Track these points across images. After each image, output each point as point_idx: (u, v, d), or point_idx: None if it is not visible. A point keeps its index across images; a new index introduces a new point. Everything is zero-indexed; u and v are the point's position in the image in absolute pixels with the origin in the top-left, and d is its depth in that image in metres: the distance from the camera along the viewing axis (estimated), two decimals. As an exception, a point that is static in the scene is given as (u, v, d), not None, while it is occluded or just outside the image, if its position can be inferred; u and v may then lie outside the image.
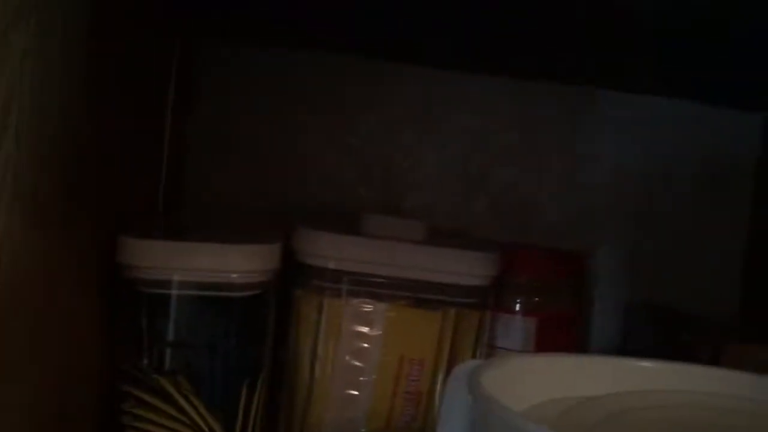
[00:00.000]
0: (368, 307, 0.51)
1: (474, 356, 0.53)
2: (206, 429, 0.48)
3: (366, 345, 0.51)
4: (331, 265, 0.51)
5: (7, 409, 0.36)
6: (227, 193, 0.66)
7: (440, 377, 0.52)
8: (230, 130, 0.67)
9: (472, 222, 0.68)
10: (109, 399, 0.49)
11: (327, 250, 0.51)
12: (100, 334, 0.49)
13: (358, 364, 0.51)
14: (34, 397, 0.40)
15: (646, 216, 0.69)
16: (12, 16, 0.31)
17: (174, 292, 0.47)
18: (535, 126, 0.69)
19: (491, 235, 0.66)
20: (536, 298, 0.58)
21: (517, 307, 0.58)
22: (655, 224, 0.68)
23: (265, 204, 0.66)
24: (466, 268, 0.52)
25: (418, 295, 0.52)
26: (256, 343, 0.50)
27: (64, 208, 0.41)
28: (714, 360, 0.49)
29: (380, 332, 0.51)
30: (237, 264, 0.48)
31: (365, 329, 0.51)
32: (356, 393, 0.51)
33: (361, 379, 0.51)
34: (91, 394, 0.48)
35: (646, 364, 0.39)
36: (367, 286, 0.51)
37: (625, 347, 0.63)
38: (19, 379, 0.37)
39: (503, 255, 0.55)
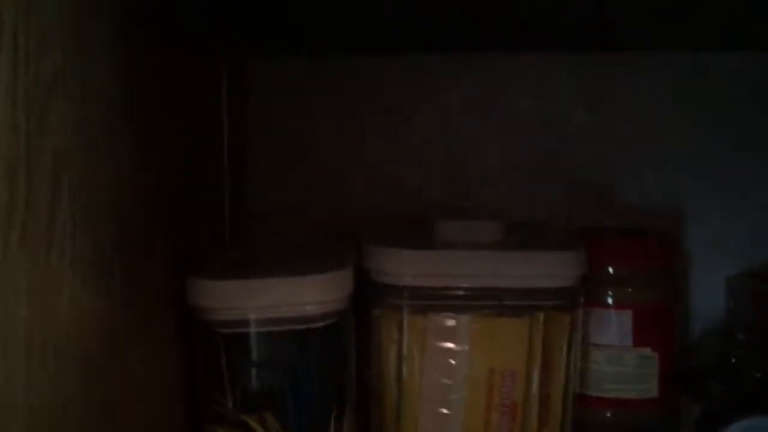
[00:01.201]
0: (451, 322, 0.49)
1: (569, 359, 0.50)
2: (297, 465, 0.47)
3: (453, 361, 0.49)
4: (408, 283, 0.48)
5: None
6: (291, 210, 0.64)
7: (534, 386, 0.49)
8: (288, 145, 0.65)
9: (546, 212, 0.64)
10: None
11: (402, 267, 0.48)
12: (181, 376, 0.48)
13: (446, 381, 0.49)
14: None
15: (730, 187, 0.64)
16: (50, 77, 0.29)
17: (250, 330, 0.46)
18: (602, 102, 0.65)
19: (569, 222, 0.62)
20: (629, 289, 0.55)
21: (610, 300, 0.54)
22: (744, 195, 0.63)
23: (331, 217, 0.64)
24: (552, 270, 0.49)
25: (503, 302, 0.49)
26: (339, 371, 0.49)
27: (131, 261, 0.40)
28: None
29: (466, 346, 0.49)
30: (311, 296, 0.46)
31: (450, 345, 0.49)
32: (447, 411, 0.49)
33: (452, 396, 0.49)
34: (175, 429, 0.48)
35: None
36: (447, 299, 0.49)
37: (729, 328, 0.58)
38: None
39: (589, 246, 0.52)
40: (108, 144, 0.35)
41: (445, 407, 0.49)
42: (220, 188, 0.59)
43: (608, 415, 0.54)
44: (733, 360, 0.53)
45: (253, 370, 0.47)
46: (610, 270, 0.54)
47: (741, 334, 0.54)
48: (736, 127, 0.64)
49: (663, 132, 0.64)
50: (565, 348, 0.50)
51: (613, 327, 0.54)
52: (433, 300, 0.49)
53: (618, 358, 0.54)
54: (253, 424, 0.47)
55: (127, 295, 0.39)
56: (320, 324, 0.47)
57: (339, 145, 0.65)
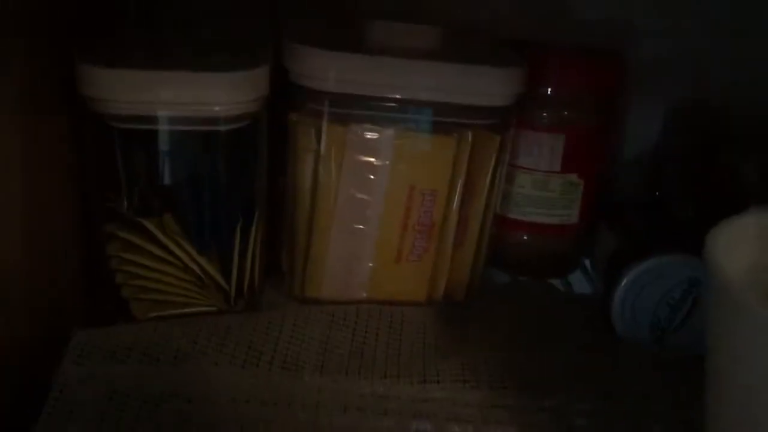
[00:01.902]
0: (373, 134, 0.45)
1: (493, 182, 0.48)
2: (200, 272, 0.44)
3: (371, 176, 0.46)
4: (330, 88, 0.43)
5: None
6: None
7: (455, 206, 0.47)
8: None
9: (492, 18, 0.58)
10: (91, 238, 0.45)
11: (325, 70, 0.43)
12: (71, 173, 0.44)
13: (363, 196, 0.46)
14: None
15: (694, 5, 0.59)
16: None
17: (149, 127, 0.41)
18: None
19: (514, 33, 0.56)
20: (565, 112, 0.51)
21: (544, 122, 0.51)
22: (706, 15, 0.59)
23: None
24: (489, 88, 0.44)
25: (430, 118, 0.45)
26: (248, 177, 0.45)
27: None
28: (763, 183, 0.43)
29: (387, 161, 0.45)
30: (220, 96, 0.41)
31: (370, 158, 0.45)
32: (362, 227, 0.47)
33: (367, 212, 0.46)
34: (67, 231, 0.44)
35: None
36: (372, 110, 0.44)
37: (657, 161, 0.56)
38: None
39: (530, 63, 0.47)
40: None
41: (359, 223, 0.46)
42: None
43: (525, 237, 0.54)
44: (657, 195, 0.52)
45: (151, 170, 0.43)
46: (549, 91, 0.51)
47: (668, 170, 0.53)
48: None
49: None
50: (491, 170, 0.47)
51: (543, 151, 0.52)
52: (357, 109, 0.44)
53: (544, 182, 0.52)
54: (149, 226, 0.44)
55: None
56: (228, 127, 0.42)
57: None
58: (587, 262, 0.58)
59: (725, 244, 0.32)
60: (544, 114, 0.51)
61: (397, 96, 0.44)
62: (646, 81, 0.58)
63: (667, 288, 0.46)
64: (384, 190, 0.46)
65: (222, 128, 0.42)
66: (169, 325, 0.42)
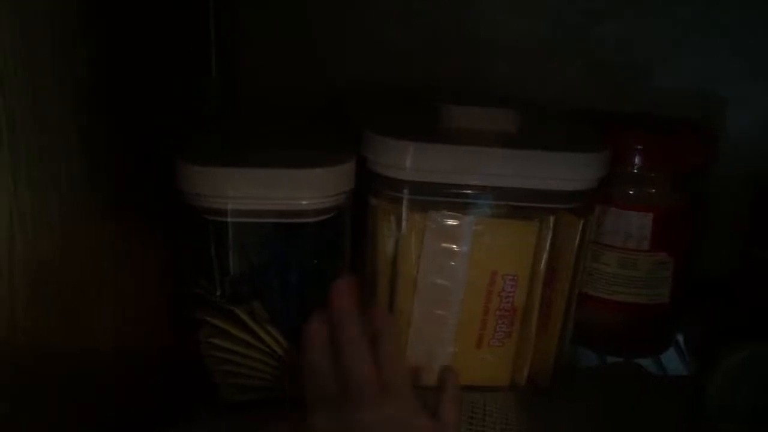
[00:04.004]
0: (453, 221, 0.45)
1: (577, 264, 0.47)
2: (287, 358, 0.46)
3: (452, 262, 0.46)
4: (409, 177, 0.44)
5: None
6: (286, 87, 0.58)
7: (538, 291, 0.47)
8: (281, 17, 0.57)
9: (566, 91, 0.58)
10: (182, 324, 0.47)
11: (402, 160, 0.43)
12: (168, 257, 0.46)
13: (443, 282, 0.46)
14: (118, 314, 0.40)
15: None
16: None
17: (238, 220, 0.43)
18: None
19: (590, 105, 0.56)
20: (652, 190, 0.50)
21: (631, 199, 0.50)
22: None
23: (326, 88, 0.58)
24: (569, 173, 0.44)
25: (511, 203, 0.45)
26: (331, 264, 0.46)
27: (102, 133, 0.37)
28: None
29: (467, 248, 0.45)
30: (307, 191, 0.43)
31: (450, 245, 0.45)
32: (443, 312, 0.47)
33: (448, 297, 0.46)
34: (162, 316, 0.47)
35: None
36: (450, 196, 0.45)
37: (749, 241, 0.53)
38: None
39: (613, 140, 0.47)
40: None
41: (440, 308, 0.46)
42: (207, 63, 0.54)
43: (613, 317, 0.52)
44: (747, 281, 0.49)
45: (242, 260, 0.45)
46: (635, 169, 0.50)
47: (760, 251, 0.50)
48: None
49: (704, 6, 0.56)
50: (574, 253, 0.46)
51: (630, 229, 0.50)
52: (436, 196, 0.45)
53: (632, 261, 0.51)
54: (240, 313, 0.45)
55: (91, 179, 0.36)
56: (315, 219, 0.44)
57: (337, 14, 0.58)
58: (680, 339, 0.56)
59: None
60: (631, 192, 0.50)
61: (476, 183, 0.44)
62: (736, 152, 0.56)
63: (765, 377, 0.44)
64: (464, 276, 0.46)
65: (309, 220, 0.44)
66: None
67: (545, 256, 0.46)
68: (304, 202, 0.43)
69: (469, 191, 0.44)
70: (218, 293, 0.45)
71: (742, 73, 0.57)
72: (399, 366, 0.40)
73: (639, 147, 0.49)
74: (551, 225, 0.45)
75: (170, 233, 0.46)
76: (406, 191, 0.45)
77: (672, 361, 0.55)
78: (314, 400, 0.39)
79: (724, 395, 0.43)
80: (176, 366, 0.48)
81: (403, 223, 0.45)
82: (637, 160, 0.49)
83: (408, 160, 0.44)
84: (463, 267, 0.46)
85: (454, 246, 0.45)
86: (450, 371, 0.42)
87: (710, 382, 0.43)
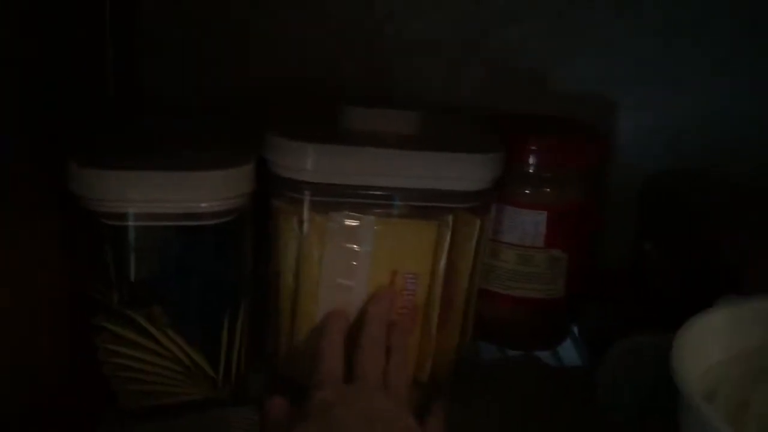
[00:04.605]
0: (354, 222, 0.46)
1: (475, 262, 0.49)
2: (188, 362, 0.45)
3: (354, 262, 0.46)
4: (309, 178, 0.44)
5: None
6: (186, 87, 0.57)
7: (437, 289, 0.48)
8: (183, 11, 0.57)
9: (471, 93, 0.59)
10: (80, 331, 0.46)
11: (304, 161, 0.44)
12: (62, 262, 0.45)
13: (346, 282, 0.47)
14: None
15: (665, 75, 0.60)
16: None
17: (136, 223, 0.43)
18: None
19: (492, 107, 0.58)
20: (546, 189, 0.52)
21: (525, 199, 0.52)
22: (687, 83, 0.60)
23: (232, 92, 0.57)
24: (466, 173, 0.45)
25: (410, 203, 0.46)
26: (234, 268, 0.46)
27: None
28: (741, 269, 0.43)
29: (369, 248, 0.46)
30: (205, 194, 0.42)
31: (352, 245, 0.46)
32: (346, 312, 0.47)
33: (351, 297, 0.47)
34: (59, 323, 0.45)
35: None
36: (352, 197, 0.45)
37: (639, 235, 0.57)
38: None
39: (509, 141, 0.48)
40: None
41: (344, 308, 0.47)
42: (103, 64, 0.53)
43: (511, 312, 0.54)
44: (639, 271, 0.52)
45: (139, 264, 0.44)
46: (530, 169, 0.52)
47: (647, 244, 0.53)
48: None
49: (603, 10, 0.59)
50: (472, 251, 0.48)
51: (526, 227, 0.52)
52: (337, 197, 0.45)
53: (528, 257, 0.53)
54: (137, 317, 0.45)
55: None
56: (214, 221, 0.44)
57: (250, 11, 0.57)
58: (576, 331, 0.59)
59: (691, 345, 0.33)
60: (527, 191, 0.52)
61: (376, 184, 0.45)
62: (626, 152, 0.60)
63: (650, 366, 0.46)
64: (366, 276, 0.47)
65: (208, 223, 0.43)
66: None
67: (445, 254, 0.47)
68: (203, 205, 0.43)
69: (370, 192, 0.45)
70: (116, 298, 0.45)
71: (634, 78, 0.60)
72: (404, 376, 0.44)
73: (533, 148, 0.51)
74: (450, 224, 0.47)
75: (67, 239, 0.45)
76: (307, 193, 0.45)
77: (569, 353, 0.58)
78: (319, 381, 0.41)
79: (611, 384, 0.46)
80: (79, 375, 0.47)
81: (305, 225, 0.46)
82: (531, 160, 0.51)
83: (308, 162, 0.44)
84: (366, 267, 0.46)
85: (356, 246, 0.46)
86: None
87: (598, 371, 0.45)
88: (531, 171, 0.52)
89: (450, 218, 0.47)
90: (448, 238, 0.47)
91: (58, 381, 0.46)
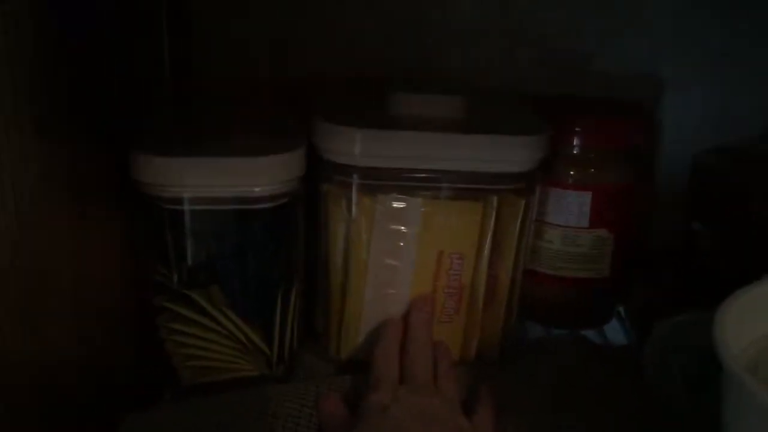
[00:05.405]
0: (401, 204, 0.47)
1: (520, 243, 0.49)
2: (244, 339, 0.47)
3: (401, 243, 0.48)
4: (357, 162, 0.46)
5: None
6: (237, 73, 0.60)
7: (483, 268, 0.49)
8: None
9: (517, 77, 0.60)
10: (143, 311, 0.48)
11: (352, 146, 0.45)
12: (127, 245, 0.48)
13: (393, 262, 0.48)
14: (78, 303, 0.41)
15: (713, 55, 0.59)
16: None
17: (194, 208, 0.45)
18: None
19: (539, 89, 0.58)
20: (591, 170, 0.52)
21: (570, 180, 0.53)
22: (735, 60, 0.59)
23: (283, 74, 0.59)
24: (511, 156, 0.46)
25: (456, 185, 0.47)
26: (287, 250, 0.48)
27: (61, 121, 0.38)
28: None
29: (415, 229, 0.47)
30: (259, 178, 0.44)
31: (399, 227, 0.47)
32: (393, 291, 0.49)
33: (398, 277, 0.48)
34: (121, 305, 0.48)
35: None
36: (398, 180, 0.47)
37: (689, 215, 0.57)
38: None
39: (555, 122, 0.49)
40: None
41: (391, 287, 0.49)
42: (160, 54, 0.55)
43: (557, 291, 0.55)
44: (687, 250, 0.52)
45: (197, 246, 0.46)
46: (575, 150, 0.52)
47: (696, 224, 0.53)
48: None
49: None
50: (517, 231, 0.49)
51: (571, 208, 0.53)
52: (384, 180, 0.47)
53: (573, 238, 0.54)
54: (197, 297, 0.47)
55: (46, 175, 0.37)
56: (267, 205, 0.45)
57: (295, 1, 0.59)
58: (622, 311, 0.59)
59: (735, 317, 0.33)
60: (571, 172, 0.53)
61: (422, 167, 0.46)
62: (676, 131, 0.59)
63: (696, 343, 0.47)
64: (413, 256, 0.48)
65: (262, 207, 0.45)
66: (210, 407, 0.45)
67: (490, 235, 0.48)
68: (256, 189, 0.44)
69: (416, 175, 0.47)
70: (176, 280, 0.47)
71: (684, 57, 0.60)
72: (453, 380, 0.46)
73: (577, 129, 0.51)
74: (495, 205, 0.48)
75: (129, 224, 0.47)
76: (355, 177, 0.47)
77: (615, 333, 0.58)
78: (374, 383, 0.44)
79: (658, 362, 0.46)
80: (143, 353, 0.49)
81: (354, 208, 0.47)
82: (575, 141, 0.52)
83: (356, 147, 0.46)
84: (413, 247, 0.48)
85: (403, 228, 0.47)
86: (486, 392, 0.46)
87: (644, 350, 0.45)
88: (575, 152, 0.52)
89: (495, 199, 0.48)
90: (493, 218, 0.48)
91: (125, 359, 0.48)
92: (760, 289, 0.35)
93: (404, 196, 0.47)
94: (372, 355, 0.46)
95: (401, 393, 0.43)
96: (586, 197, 0.52)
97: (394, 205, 0.47)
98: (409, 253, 0.48)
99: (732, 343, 0.31)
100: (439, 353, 0.48)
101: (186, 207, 0.45)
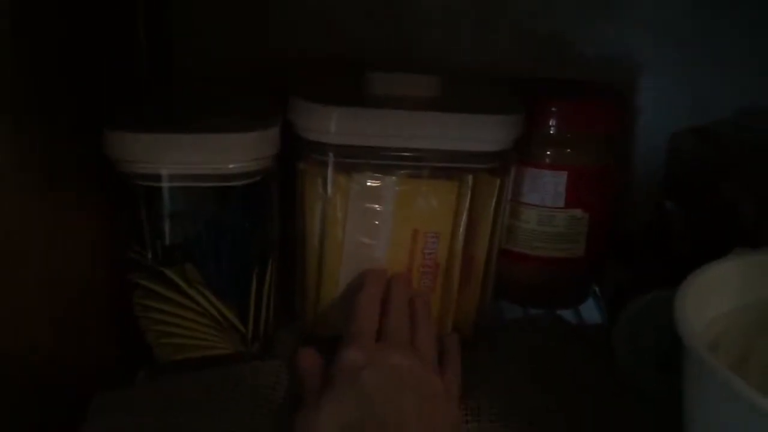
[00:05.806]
0: (376, 182, 0.47)
1: (495, 221, 0.50)
2: (219, 317, 0.47)
3: (376, 221, 0.48)
4: (333, 140, 0.46)
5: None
6: (214, 55, 0.59)
7: (458, 247, 0.49)
8: None
9: (494, 58, 0.60)
10: (119, 288, 0.48)
11: (327, 124, 0.45)
12: (102, 224, 0.48)
13: (368, 240, 0.48)
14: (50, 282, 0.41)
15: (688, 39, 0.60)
16: None
17: (169, 184, 0.45)
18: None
19: (516, 71, 0.58)
20: (567, 150, 0.53)
21: (547, 160, 0.53)
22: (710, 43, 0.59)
23: (261, 56, 0.59)
24: (486, 135, 0.46)
25: (431, 164, 0.47)
26: (262, 228, 0.48)
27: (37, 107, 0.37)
28: (759, 228, 0.44)
29: (390, 207, 0.48)
30: (233, 155, 0.44)
31: (374, 205, 0.48)
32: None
33: (374, 255, 0.49)
34: (97, 281, 0.48)
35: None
36: (373, 158, 0.47)
37: (661, 194, 0.57)
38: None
39: (531, 103, 0.49)
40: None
41: (366, 265, 0.49)
42: (135, 33, 0.54)
43: (533, 271, 0.55)
44: (660, 230, 0.53)
45: (172, 224, 0.46)
46: (551, 131, 0.52)
47: (669, 203, 0.53)
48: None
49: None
50: (492, 210, 0.49)
51: (547, 188, 0.53)
52: (359, 158, 0.47)
53: (549, 218, 0.54)
54: (171, 274, 0.47)
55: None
56: (242, 182, 0.45)
57: None
58: (598, 291, 0.59)
59: (697, 295, 0.33)
60: (548, 152, 0.53)
61: (397, 146, 0.46)
62: (650, 112, 0.60)
63: (664, 322, 0.47)
64: (388, 235, 0.48)
65: (237, 184, 0.45)
66: (183, 384, 0.45)
67: (465, 214, 0.48)
68: (231, 166, 0.44)
69: (391, 153, 0.47)
70: (150, 256, 0.47)
71: (661, 40, 0.60)
72: (430, 341, 0.46)
73: (553, 110, 0.52)
74: (470, 184, 0.48)
75: (105, 202, 0.47)
76: (331, 155, 0.47)
77: (590, 312, 0.59)
78: (350, 338, 0.43)
79: (627, 341, 0.46)
80: (117, 330, 0.49)
81: (329, 186, 0.47)
82: (552, 122, 0.52)
83: (332, 125, 0.46)
84: (388, 226, 0.48)
85: (378, 206, 0.48)
86: (453, 341, 0.47)
87: (613, 329, 0.46)
88: (551, 132, 0.52)
89: (470, 178, 0.48)
90: (468, 197, 0.48)
91: (102, 337, 0.49)
92: (722, 266, 0.36)
93: (379, 175, 0.47)
94: (352, 304, 0.46)
95: (377, 355, 0.42)
96: (562, 177, 0.53)
97: (369, 184, 0.47)
98: (385, 231, 0.48)
99: (694, 321, 0.32)
100: (419, 305, 0.48)
101: (160, 183, 0.44)
